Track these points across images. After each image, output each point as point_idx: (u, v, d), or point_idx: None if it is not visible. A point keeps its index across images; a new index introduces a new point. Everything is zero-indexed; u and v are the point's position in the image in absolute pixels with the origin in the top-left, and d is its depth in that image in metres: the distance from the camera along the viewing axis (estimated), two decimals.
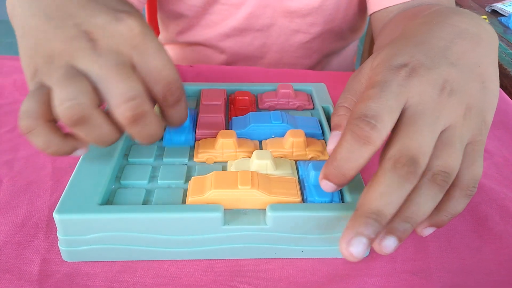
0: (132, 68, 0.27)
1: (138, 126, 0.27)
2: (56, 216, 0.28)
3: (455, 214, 0.26)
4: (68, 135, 0.28)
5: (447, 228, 0.33)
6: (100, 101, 0.27)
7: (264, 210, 0.29)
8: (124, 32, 0.28)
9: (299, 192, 0.30)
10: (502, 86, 0.68)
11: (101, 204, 0.29)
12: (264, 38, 0.65)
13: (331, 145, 0.29)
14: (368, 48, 0.89)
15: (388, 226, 0.24)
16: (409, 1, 0.51)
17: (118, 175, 0.33)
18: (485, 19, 1.04)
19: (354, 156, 0.25)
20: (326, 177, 0.27)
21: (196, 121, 0.39)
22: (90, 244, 0.29)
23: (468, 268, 0.30)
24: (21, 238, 0.31)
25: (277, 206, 0.29)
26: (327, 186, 0.27)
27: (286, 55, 0.67)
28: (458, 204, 0.26)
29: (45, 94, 0.27)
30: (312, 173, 0.31)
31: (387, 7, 0.53)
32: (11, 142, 0.41)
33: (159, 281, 0.29)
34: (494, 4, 1.12)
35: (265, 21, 0.63)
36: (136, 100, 0.27)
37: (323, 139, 0.38)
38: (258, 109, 0.43)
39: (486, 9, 1.11)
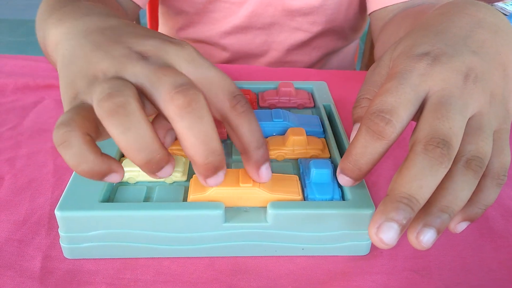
0: (183, 73, 0.25)
1: (191, 115, 0.23)
2: (57, 213, 0.28)
3: (488, 205, 0.26)
4: (104, 155, 0.24)
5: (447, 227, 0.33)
6: (145, 109, 0.25)
7: (265, 208, 0.29)
8: (178, 50, 0.26)
9: (300, 190, 0.30)
10: None
11: (102, 201, 0.29)
12: (266, 36, 0.65)
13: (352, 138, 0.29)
14: (370, 47, 0.89)
15: (425, 218, 0.23)
16: (408, 1, 0.51)
17: None
18: None
19: (368, 151, 0.25)
20: (343, 172, 0.27)
21: None
22: (92, 241, 0.29)
23: (469, 266, 0.30)
24: (23, 235, 0.31)
25: (278, 204, 0.29)
26: (344, 180, 0.27)
27: (287, 54, 0.67)
28: (490, 194, 0.25)
29: (85, 109, 0.24)
30: (313, 171, 0.31)
31: (386, 6, 0.53)
32: (12, 140, 0.41)
33: (160, 278, 0.29)
34: (496, 4, 1.12)
35: (266, 20, 0.63)
36: (188, 86, 0.24)
37: (324, 137, 0.38)
38: (259, 107, 0.43)
39: None
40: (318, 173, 0.31)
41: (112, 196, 0.31)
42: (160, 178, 0.25)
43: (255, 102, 0.43)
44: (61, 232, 0.29)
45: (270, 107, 0.43)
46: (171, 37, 0.28)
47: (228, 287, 0.28)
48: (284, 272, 0.29)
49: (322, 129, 0.38)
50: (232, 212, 0.29)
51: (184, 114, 0.23)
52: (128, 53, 0.26)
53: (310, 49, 0.68)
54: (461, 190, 0.24)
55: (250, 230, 0.29)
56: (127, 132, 0.23)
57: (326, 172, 0.31)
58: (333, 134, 0.37)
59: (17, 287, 0.28)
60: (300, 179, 0.32)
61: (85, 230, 0.29)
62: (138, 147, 0.23)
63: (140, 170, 0.29)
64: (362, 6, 0.65)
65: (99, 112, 0.23)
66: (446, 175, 0.24)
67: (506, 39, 0.29)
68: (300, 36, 0.65)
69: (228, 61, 0.69)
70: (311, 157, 0.35)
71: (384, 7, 0.53)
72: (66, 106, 0.26)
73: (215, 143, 0.24)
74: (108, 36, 0.28)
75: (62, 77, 0.27)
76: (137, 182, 0.32)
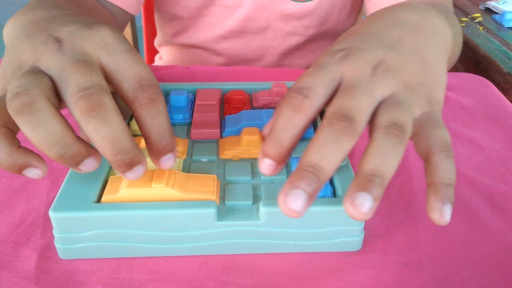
0: (96, 67, 0.26)
1: (95, 120, 0.24)
2: (51, 214, 0.28)
3: (452, 180, 0.25)
4: (23, 148, 0.25)
5: None
6: (58, 103, 0.26)
7: (257, 205, 0.30)
8: (94, 34, 0.27)
9: (215, 190, 0.30)
10: (495, 82, 0.68)
11: (96, 202, 0.29)
12: (260, 41, 0.65)
13: (266, 128, 0.30)
14: None
15: (355, 184, 0.23)
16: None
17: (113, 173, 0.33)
18: (479, 17, 1.04)
19: (289, 125, 0.25)
20: (265, 154, 0.26)
21: (194, 104, 0.41)
22: (86, 241, 0.29)
23: (459, 259, 0.31)
24: (18, 236, 0.32)
25: (271, 202, 0.29)
26: (266, 165, 0.26)
27: (282, 57, 0.68)
28: (445, 166, 0.25)
29: (3, 101, 0.25)
30: None
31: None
32: None
33: (155, 277, 0.29)
34: (488, 2, 1.13)
35: (261, 24, 0.63)
36: (92, 90, 0.24)
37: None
38: (252, 107, 0.43)
39: (480, 7, 1.12)
40: None
41: None
42: (84, 171, 0.26)
43: (248, 103, 0.43)
44: (55, 233, 0.29)
45: (263, 107, 0.43)
46: (97, 22, 0.28)
47: (222, 285, 0.29)
48: (278, 268, 0.30)
49: (312, 129, 0.38)
50: (224, 210, 0.30)
51: (88, 118, 0.24)
52: (46, 40, 0.27)
53: (305, 53, 0.68)
54: (386, 153, 0.23)
55: (243, 228, 0.29)
56: (36, 129, 0.24)
57: None
58: None
59: (12, 287, 0.28)
60: (291, 169, 0.33)
61: (79, 230, 0.29)
62: (49, 142, 0.24)
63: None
64: (354, 8, 0.66)
65: (9, 110, 0.24)
66: (369, 144, 0.24)
67: (429, 37, 0.30)
68: (294, 40, 0.65)
69: (223, 66, 0.69)
70: None
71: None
72: None
73: (123, 143, 0.25)
74: (41, 26, 0.29)
75: None
76: None
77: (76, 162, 0.25)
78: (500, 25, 1.03)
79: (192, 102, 0.42)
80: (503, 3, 1.10)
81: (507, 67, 0.83)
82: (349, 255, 0.31)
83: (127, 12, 0.55)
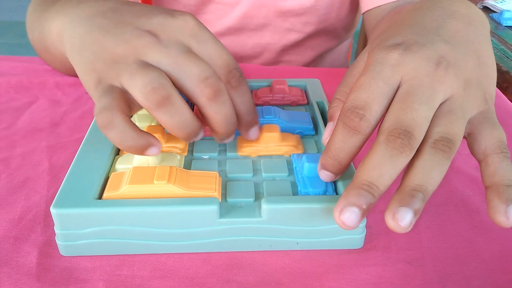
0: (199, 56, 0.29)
1: (218, 103, 0.29)
2: (53, 210, 0.28)
3: (510, 180, 0.25)
4: (143, 131, 0.28)
5: (440, 220, 0.34)
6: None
7: (259, 202, 0.30)
8: (181, 25, 0.30)
9: (217, 187, 0.30)
10: None
11: (98, 199, 0.29)
12: (259, 38, 0.65)
13: (325, 135, 0.31)
14: (363, 45, 0.90)
15: (398, 198, 0.24)
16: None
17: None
18: None
19: (346, 146, 0.27)
20: (324, 167, 0.29)
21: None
22: (87, 238, 0.29)
23: (462, 257, 0.31)
24: (19, 233, 0.31)
25: (272, 199, 0.29)
26: (325, 175, 0.29)
27: (281, 54, 0.68)
28: (504, 167, 0.25)
29: (118, 92, 0.28)
30: (306, 165, 0.31)
31: (379, 6, 0.53)
32: (7, 139, 0.41)
33: (157, 274, 0.29)
34: (486, 1, 1.13)
35: (259, 21, 0.63)
36: (213, 78, 0.29)
37: (315, 133, 0.38)
38: None
39: (478, 5, 1.12)
40: (311, 167, 0.31)
41: None
42: (193, 140, 0.30)
43: None
44: (56, 230, 0.29)
45: (264, 104, 0.43)
46: (171, 10, 0.31)
47: (224, 282, 0.28)
48: (280, 265, 0.30)
49: (312, 126, 0.38)
50: (226, 207, 0.30)
51: (212, 103, 0.29)
52: (138, 34, 0.29)
53: (303, 49, 0.68)
54: (431, 169, 0.24)
55: (245, 225, 0.29)
56: (173, 117, 0.28)
57: None
58: None
59: (14, 283, 0.28)
60: (292, 166, 0.33)
61: (81, 227, 0.29)
62: (182, 126, 0.29)
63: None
64: (354, 5, 0.65)
65: (147, 103, 0.27)
66: (416, 157, 0.25)
67: (479, 29, 0.30)
68: (293, 37, 0.65)
69: None
70: (285, 154, 0.35)
71: (377, 6, 0.54)
72: (92, 90, 0.29)
73: (234, 119, 0.31)
74: (111, 19, 0.30)
75: (77, 64, 0.30)
76: None
77: (195, 136, 0.30)
78: (498, 23, 1.03)
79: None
80: (501, 2, 1.10)
81: (506, 65, 0.83)
82: (351, 252, 0.31)
83: None
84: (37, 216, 0.33)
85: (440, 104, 0.26)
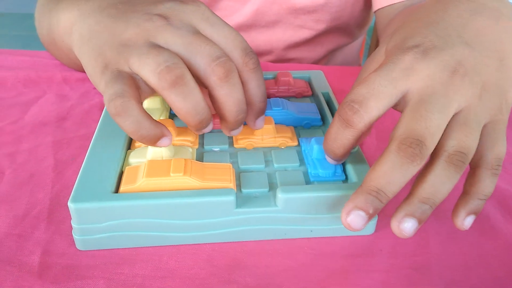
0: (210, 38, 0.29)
1: (229, 85, 0.28)
2: (71, 205, 0.28)
3: (487, 195, 0.26)
4: (156, 121, 0.28)
5: (449, 225, 0.33)
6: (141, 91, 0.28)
7: (273, 192, 0.30)
8: (193, 9, 0.30)
9: (232, 178, 0.30)
10: None
11: (114, 192, 0.29)
12: (270, 35, 0.65)
13: None
14: (376, 42, 0.89)
15: (406, 208, 0.25)
16: None
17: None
18: None
19: (339, 137, 0.28)
20: (326, 152, 0.30)
21: None
22: (105, 232, 0.29)
23: (469, 264, 0.30)
24: (22, 230, 0.31)
25: (288, 188, 0.29)
26: (329, 159, 0.31)
27: (291, 51, 0.67)
28: (487, 184, 0.26)
29: (128, 78, 0.27)
30: (315, 147, 0.32)
31: (392, 4, 0.52)
32: (14, 134, 0.41)
33: (158, 273, 0.29)
34: None
35: (271, 18, 0.62)
36: (224, 58, 0.28)
37: (323, 123, 0.39)
38: None
39: None
40: (320, 149, 0.32)
41: None
42: (204, 132, 0.30)
43: None
44: (74, 224, 0.29)
45: (269, 96, 0.43)
46: None
47: (226, 283, 0.28)
48: (283, 268, 0.29)
49: (319, 116, 0.38)
50: (242, 198, 0.30)
51: (223, 83, 0.28)
52: (149, 18, 0.29)
53: (314, 46, 0.67)
54: (442, 183, 0.25)
55: (261, 214, 0.30)
56: (186, 99, 0.27)
57: None
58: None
59: (15, 281, 0.28)
60: (302, 157, 0.34)
61: (99, 221, 0.29)
62: (195, 111, 0.28)
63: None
64: (368, 2, 0.64)
65: (160, 83, 0.26)
66: (429, 168, 0.25)
67: (507, 28, 0.28)
68: (304, 34, 0.64)
69: None
70: (280, 146, 0.36)
71: (390, 5, 0.53)
72: (97, 77, 0.28)
73: (244, 105, 0.30)
74: (123, 9, 0.30)
75: (84, 53, 0.30)
76: None
77: (206, 125, 0.29)
78: None
79: None
80: None
81: None
82: (355, 256, 0.30)
83: None
84: (41, 213, 0.33)
85: (455, 114, 0.26)
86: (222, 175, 0.30)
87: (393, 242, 0.31)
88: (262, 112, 0.33)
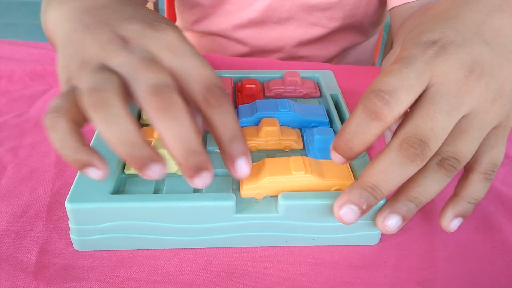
0: (164, 68, 0.26)
1: (169, 118, 0.24)
2: (68, 205, 0.27)
3: (477, 200, 0.26)
4: (88, 147, 0.25)
5: (458, 237, 0.31)
6: (128, 100, 0.25)
7: (276, 198, 0.29)
8: (160, 36, 0.27)
9: (351, 174, 0.30)
10: None
11: (112, 193, 0.29)
12: (281, 31, 0.63)
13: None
14: (391, 41, 0.87)
15: (392, 205, 0.25)
16: None
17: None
18: None
19: (362, 131, 0.25)
20: (335, 149, 0.27)
21: None
22: (102, 233, 0.29)
23: (477, 279, 0.29)
24: (20, 227, 0.31)
25: (289, 195, 0.28)
26: (336, 157, 0.27)
27: (302, 48, 0.65)
28: (478, 188, 0.26)
29: (73, 95, 0.25)
30: (316, 138, 0.33)
31: (408, 2, 0.50)
32: (18, 127, 0.41)
33: (154, 278, 0.28)
34: None
35: (283, 14, 0.61)
36: (164, 88, 0.24)
37: (331, 127, 0.37)
38: (265, 97, 0.42)
39: None
40: (321, 140, 0.33)
41: (121, 188, 0.30)
42: (151, 178, 0.24)
43: (261, 92, 0.42)
44: (71, 224, 0.28)
45: (276, 96, 0.42)
46: (158, 19, 0.28)
47: None
48: (282, 277, 0.28)
49: (327, 119, 0.37)
50: (243, 203, 0.29)
51: (161, 116, 0.24)
52: (112, 38, 0.27)
53: (326, 44, 0.66)
54: (431, 185, 0.25)
55: (261, 221, 0.29)
56: (110, 126, 0.23)
57: (329, 138, 0.33)
58: (341, 124, 0.36)
59: (11, 281, 0.27)
60: (304, 147, 0.34)
61: (96, 222, 0.28)
62: (121, 141, 0.23)
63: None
64: (383, 0, 0.62)
65: (84, 105, 0.24)
66: (420, 168, 0.24)
67: None
68: (317, 31, 0.63)
69: (243, 55, 0.67)
70: (284, 149, 0.35)
71: (405, 3, 0.51)
72: (61, 89, 0.27)
73: (193, 144, 0.24)
74: (96, 17, 0.29)
75: (58, 60, 0.28)
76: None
77: (143, 165, 0.24)
78: None
79: None
80: None
81: None
82: (358, 268, 0.29)
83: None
84: (40, 211, 0.32)
85: (463, 116, 0.25)
86: (341, 172, 0.30)
87: (398, 254, 0.30)
88: (237, 154, 0.26)
